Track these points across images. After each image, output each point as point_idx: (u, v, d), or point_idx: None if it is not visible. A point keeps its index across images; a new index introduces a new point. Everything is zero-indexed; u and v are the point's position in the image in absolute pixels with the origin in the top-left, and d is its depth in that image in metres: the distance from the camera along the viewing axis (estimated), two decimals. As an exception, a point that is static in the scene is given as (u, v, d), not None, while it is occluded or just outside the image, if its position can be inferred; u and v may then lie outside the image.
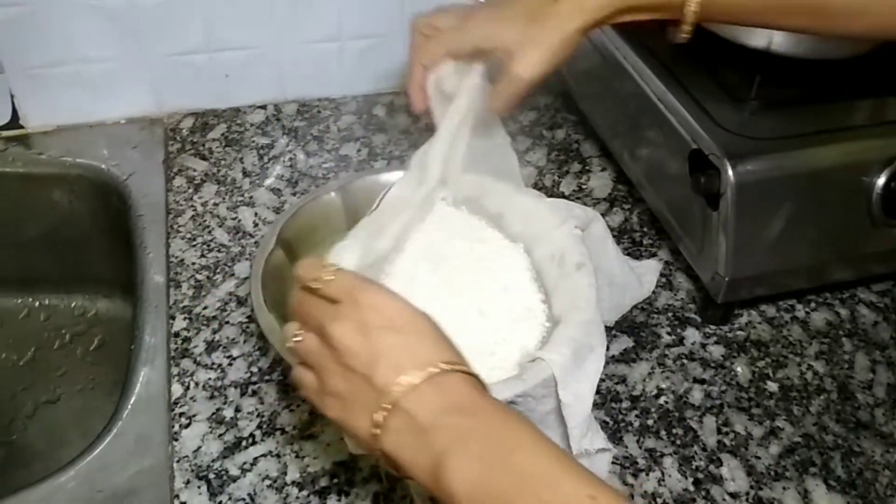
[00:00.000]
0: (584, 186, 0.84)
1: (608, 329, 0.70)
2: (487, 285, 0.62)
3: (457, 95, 0.63)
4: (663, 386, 0.66)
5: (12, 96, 0.84)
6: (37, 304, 0.94)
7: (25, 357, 0.91)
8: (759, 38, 0.69)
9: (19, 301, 0.94)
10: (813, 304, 0.74)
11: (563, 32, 0.58)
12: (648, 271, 0.72)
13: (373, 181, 0.70)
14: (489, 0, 0.63)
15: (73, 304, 0.94)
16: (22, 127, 0.86)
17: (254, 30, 0.86)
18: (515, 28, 0.59)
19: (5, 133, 0.86)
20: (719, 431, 0.63)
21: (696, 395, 0.66)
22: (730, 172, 0.63)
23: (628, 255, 0.77)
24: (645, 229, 0.80)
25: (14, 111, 0.85)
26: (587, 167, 0.87)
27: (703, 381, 0.67)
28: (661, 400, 0.65)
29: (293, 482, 0.58)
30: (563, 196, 0.83)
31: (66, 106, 0.86)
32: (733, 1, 0.56)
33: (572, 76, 0.89)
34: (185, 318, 0.69)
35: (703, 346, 0.70)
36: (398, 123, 0.91)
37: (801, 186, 0.65)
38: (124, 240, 0.80)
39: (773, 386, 0.67)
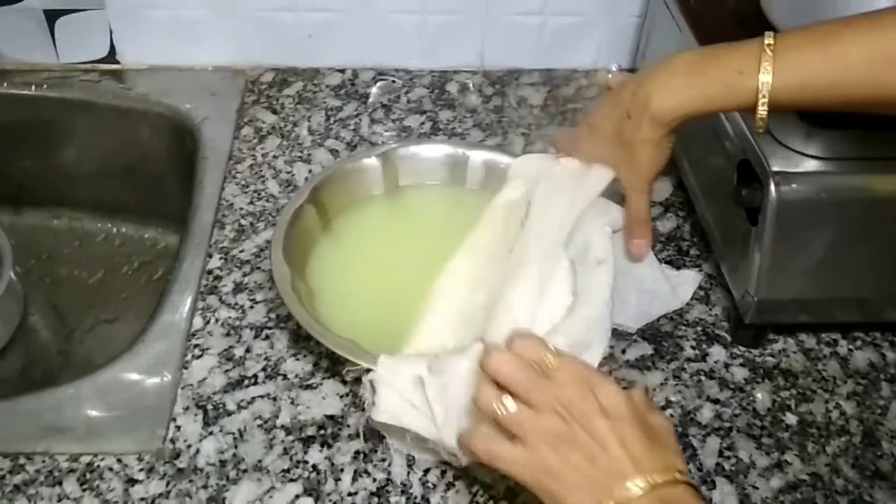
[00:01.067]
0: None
1: (629, 334, 0.68)
2: (524, 282, 0.61)
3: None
4: (673, 399, 0.64)
5: (111, 32, 0.89)
6: (114, 230, 1.01)
7: (95, 277, 0.97)
8: (835, 53, 0.65)
9: (99, 225, 1.01)
10: (859, 342, 0.69)
11: (652, 146, 0.59)
12: (686, 282, 0.69)
13: (415, 151, 0.71)
14: (583, 121, 0.66)
15: (146, 235, 1.00)
16: (118, 62, 0.92)
17: (339, -7, 0.89)
18: (611, 149, 0.61)
19: (102, 66, 0.92)
20: (721, 454, 0.61)
21: (706, 414, 0.63)
22: (772, 187, 0.60)
23: (670, 262, 0.75)
24: (694, 239, 0.77)
25: (112, 46, 0.91)
26: (650, 169, 0.84)
27: (716, 401, 0.64)
28: (667, 412, 0.63)
29: (282, 426, 0.60)
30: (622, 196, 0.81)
31: (160, 47, 0.91)
32: (811, 97, 0.53)
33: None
34: (221, 258, 0.73)
35: (727, 366, 0.67)
36: (466, 102, 0.91)
37: (852, 213, 0.61)
38: (192, 179, 0.84)
39: (791, 418, 0.63)
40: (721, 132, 0.67)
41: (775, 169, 0.60)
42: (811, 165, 0.61)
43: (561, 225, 0.62)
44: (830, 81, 0.51)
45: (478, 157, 0.72)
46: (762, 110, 0.53)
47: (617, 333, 0.68)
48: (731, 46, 0.55)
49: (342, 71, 0.94)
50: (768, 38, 0.52)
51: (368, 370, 0.54)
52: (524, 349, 0.48)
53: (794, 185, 0.60)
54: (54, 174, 0.97)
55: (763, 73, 0.52)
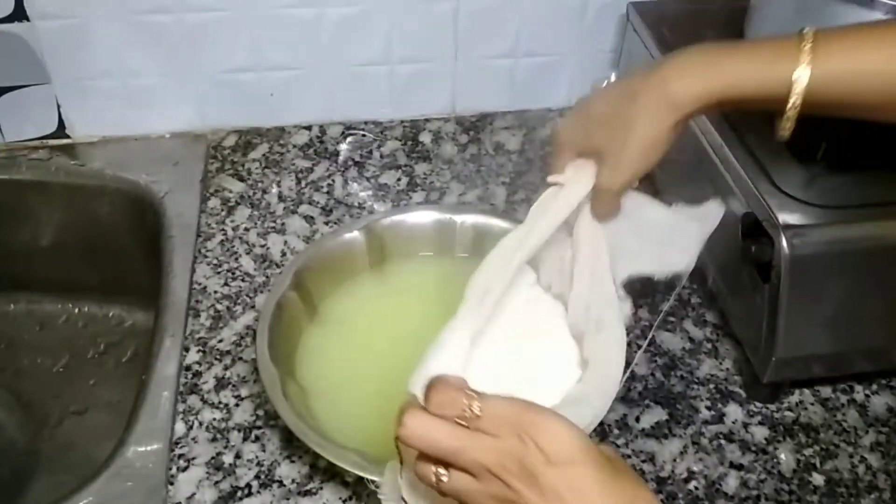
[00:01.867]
0: (633, 233, 0.79)
1: (641, 400, 0.64)
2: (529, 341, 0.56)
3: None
4: (695, 469, 0.61)
5: (59, 106, 0.84)
6: (76, 310, 0.95)
7: (60, 363, 0.91)
8: (831, 93, 0.62)
9: (59, 306, 0.95)
10: (875, 386, 0.67)
11: (653, 132, 0.50)
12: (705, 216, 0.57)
13: (399, 220, 0.67)
14: (579, 103, 0.56)
15: (110, 314, 0.95)
16: (68, 136, 0.86)
17: (301, 50, 0.84)
18: (602, 133, 0.52)
19: (51, 142, 0.86)
20: (752, 528, 0.58)
21: (731, 483, 0.60)
22: (784, 244, 0.57)
23: (672, 314, 0.71)
24: (695, 286, 0.74)
25: (60, 120, 0.85)
26: (639, 212, 0.81)
27: (740, 467, 0.61)
28: (691, 485, 0.60)
29: (284, 542, 0.56)
30: (609, 243, 0.77)
31: (112, 117, 0.86)
32: (847, 92, 0.48)
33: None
34: (198, 351, 0.67)
35: (745, 425, 0.64)
36: (443, 152, 0.87)
37: (866, 263, 0.58)
38: (158, 257, 0.79)
39: (818, 479, 0.60)
40: (719, 181, 0.64)
41: (785, 223, 0.57)
42: (820, 216, 0.58)
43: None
44: (871, 76, 0.47)
45: (466, 221, 0.68)
46: (793, 107, 0.48)
47: (628, 399, 0.65)
48: (764, 38, 0.50)
49: (308, 128, 0.90)
50: (807, 30, 0.48)
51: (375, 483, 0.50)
52: (441, 404, 0.40)
53: (806, 239, 0.57)
54: (8, 256, 0.91)
55: (801, 65, 0.46)
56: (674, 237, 0.55)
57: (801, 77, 0.46)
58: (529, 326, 0.54)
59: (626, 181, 0.52)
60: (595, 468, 0.39)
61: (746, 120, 0.66)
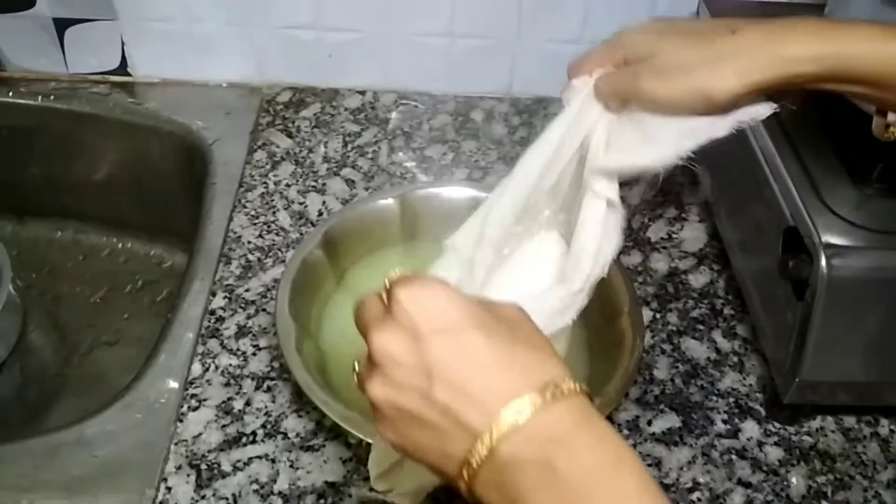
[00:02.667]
0: (674, 236, 0.77)
1: (657, 403, 0.63)
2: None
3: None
4: (701, 480, 0.59)
5: (123, 43, 0.85)
6: (120, 245, 0.97)
7: (98, 294, 0.94)
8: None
9: (104, 239, 0.97)
10: (903, 423, 0.64)
11: (746, 74, 0.44)
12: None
13: (435, 194, 0.67)
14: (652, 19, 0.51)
15: (151, 252, 0.97)
16: (129, 74, 0.88)
17: (363, 14, 0.84)
18: (677, 41, 0.47)
19: (112, 78, 0.88)
20: (751, 547, 0.56)
21: (737, 500, 0.59)
22: (823, 263, 0.55)
23: (702, 322, 0.70)
24: (729, 297, 0.72)
25: (123, 58, 0.87)
26: (683, 215, 0.79)
27: (748, 485, 0.59)
28: (695, 496, 0.59)
29: (279, 492, 0.56)
30: (648, 243, 0.76)
31: (173, 61, 0.87)
32: None
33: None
34: (225, 297, 0.68)
35: (760, 444, 0.62)
36: (492, 132, 0.87)
37: (908, 293, 0.56)
38: (200, 202, 0.80)
39: (828, 509, 0.59)
40: (767, 191, 0.62)
41: (827, 242, 0.55)
42: (867, 239, 0.56)
43: None
44: None
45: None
46: None
47: (643, 402, 0.63)
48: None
49: (362, 93, 0.90)
50: None
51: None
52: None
53: (847, 261, 0.55)
54: (60, 185, 0.94)
55: None
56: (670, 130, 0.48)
57: None
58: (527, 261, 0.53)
59: (676, 99, 0.45)
60: (484, 333, 0.35)
61: (807, 135, 0.64)
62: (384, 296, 0.38)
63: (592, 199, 0.48)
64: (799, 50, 0.44)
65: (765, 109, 0.47)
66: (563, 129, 0.50)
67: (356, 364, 0.39)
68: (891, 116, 0.50)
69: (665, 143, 0.47)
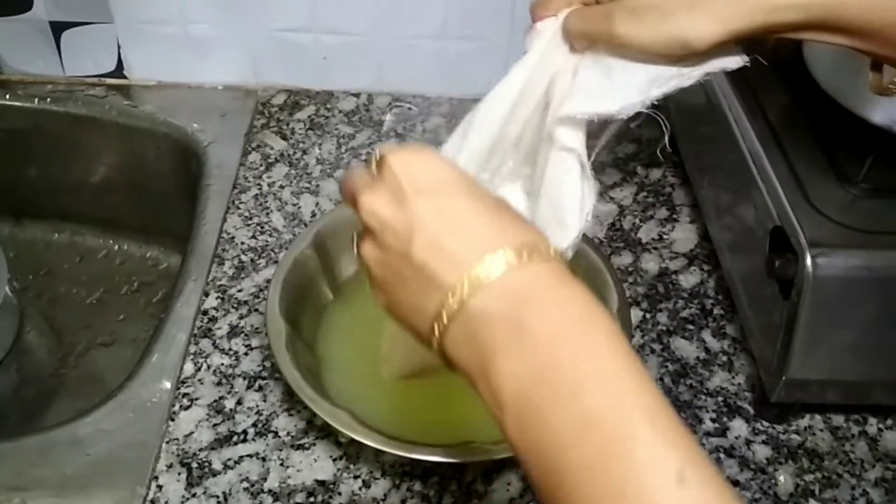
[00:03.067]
0: (665, 236, 0.78)
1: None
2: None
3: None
4: (689, 478, 0.60)
5: (119, 46, 0.86)
6: (116, 247, 0.98)
7: (94, 295, 0.94)
8: (883, 115, 0.60)
9: (101, 241, 0.98)
10: (890, 421, 0.64)
11: (724, 19, 0.42)
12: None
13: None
14: None
15: (147, 254, 0.97)
16: (125, 77, 0.89)
17: (358, 17, 0.85)
18: None
19: (109, 81, 0.89)
20: (738, 545, 0.56)
21: (724, 497, 0.59)
22: (808, 262, 0.55)
23: (692, 322, 0.70)
24: (719, 297, 0.72)
25: (119, 61, 0.87)
26: (675, 215, 0.80)
27: (736, 483, 0.60)
28: (682, 493, 0.59)
29: (269, 490, 0.57)
30: (639, 243, 0.77)
31: (169, 64, 0.88)
32: None
33: (677, 109, 0.82)
34: (217, 298, 0.69)
35: (748, 443, 0.62)
36: (485, 135, 0.87)
37: (895, 292, 0.56)
38: (195, 206, 0.81)
39: (816, 506, 0.59)
40: (754, 191, 0.63)
41: (812, 241, 0.56)
42: (854, 239, 0.56)
43: None
44: None
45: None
46: None
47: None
48: None
49: (357, 95, 0.90)
50: None
51: None
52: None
53: (833, 260, 0.55)
54: (57, 187, 0.95)
55: None
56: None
57: None
58: None
59: (651, 44, 0.43)
60: (470, 199, 0.36)
61: (794, 134, 0.64)
62: (374, 167, 0.38)
63: (561, 153, 0.46)
64: None
65: (735, 62, 0.45)
66: (527, 74, 0.47)
67: (354, 234, 0.40)
68: (886, 73, 0.49)
69: (632, 89, 0.44)
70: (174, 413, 0.61)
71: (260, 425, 0.60)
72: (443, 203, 0.36)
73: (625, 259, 0.75)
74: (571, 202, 0.46)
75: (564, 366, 0.32)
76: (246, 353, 0.65)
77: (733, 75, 0.71)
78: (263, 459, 0.58)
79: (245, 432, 0.60)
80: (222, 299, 0.69)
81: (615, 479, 0.30)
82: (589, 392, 0.31)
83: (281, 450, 0.59)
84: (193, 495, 0.56)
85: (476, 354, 0.34)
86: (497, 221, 0.36)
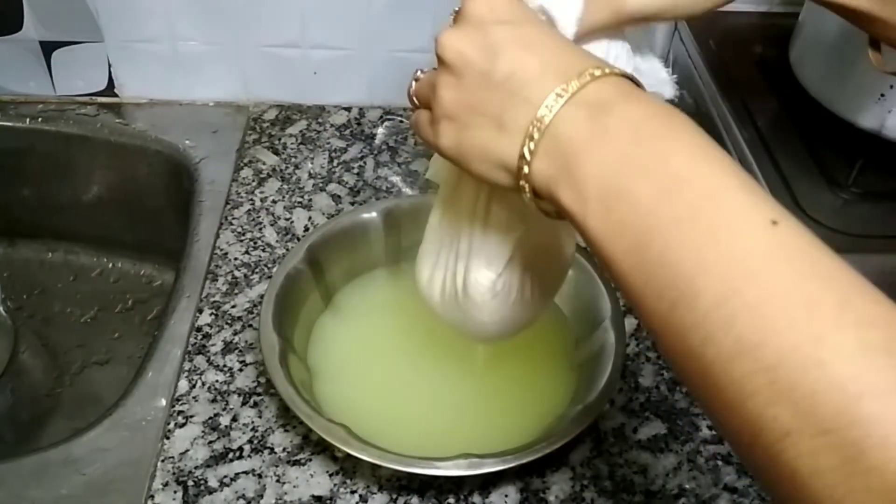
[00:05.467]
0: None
1: (642, 410, 0.64)
2: None
3: None
4: (687, 486, 0.60)
5: (110, 65, 0.86)
6: (110, 265, 0.98)
7: (88, 314, 0.94)
8: (871, 120, 0.61)
9: (95, 260, 0.98)
10: (888, 426, 0.64)
11: None
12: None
13: (419, 205, 0.67)
14: None
15: (142, 272, 0.97)
16: (116, 95, 0.89)
17: (347, 31, 0.85)
18: None
19: (100, 99, 0.89)
20: (737, 552, 0.56)
21: (722, 505, 0.59)
22: (800, 267, 0.55)
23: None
24: (713, 304, 0.72)
25: (110, 79, 0.87)
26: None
27: (734, 490, 0.60)
28: (681, 502, 0.59)
29: (266, 508, 0.57)
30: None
31: (160, 81, 0.88)
32: None
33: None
34: (211, 314, 0.69)
35: (745, 449, 0.62)
36: (477, 146, 0.87)
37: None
38: (188, 223, 0.81)
39: (814, 512, 0.59)
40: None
41: (803, 246, 0.56)
42: (840, 242, 0.57)
43: None
44: None
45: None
46: None
47: (628, 410, 0.64)
48: None
49: (348, 109, 0.90)
50: None
51: None
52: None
53: (823, 265, 0.55)
54: (50, 206, 0.94)
55: None
56: None
57: None
58: None
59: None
60: (547, 30, 0.39)
61: (783, 139, 0.65)
62: (452, 20, 0.40)
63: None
64: None
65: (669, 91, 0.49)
66: None
67: (412, 82, 0.44)
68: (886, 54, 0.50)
69: None
70: (169, 431, 0.61)
71: (255, 442, 0.60)
72: (524, 29, 0.38)
73: (618, 267, 0.75)
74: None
75: (647, 142, 0.33)
76: (240, 370, 0.65)
77: (722, 81, 0.71)
78: (259, 476, 0.58)
79: (241, 449, 0.60)
80: (216, 315, 0.69)
81: (708, 227, 0.30)
82: (675, 156, 0.33)
83: (277, 466, 0.59)
84: (190, 513, 0.56)
85: (560, 162, 0.35)
86: (573, 49, 0.38)
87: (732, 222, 0.30)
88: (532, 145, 0.36)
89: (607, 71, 0.36)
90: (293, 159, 0.84)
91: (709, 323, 0.29)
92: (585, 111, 0.35)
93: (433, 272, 0.52)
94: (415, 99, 0.45)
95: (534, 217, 0.46)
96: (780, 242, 0.30)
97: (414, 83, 0.44)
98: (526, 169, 0.36)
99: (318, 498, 0.57)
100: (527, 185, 0.37)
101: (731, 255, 0.30)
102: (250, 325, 0.68)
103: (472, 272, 0.49)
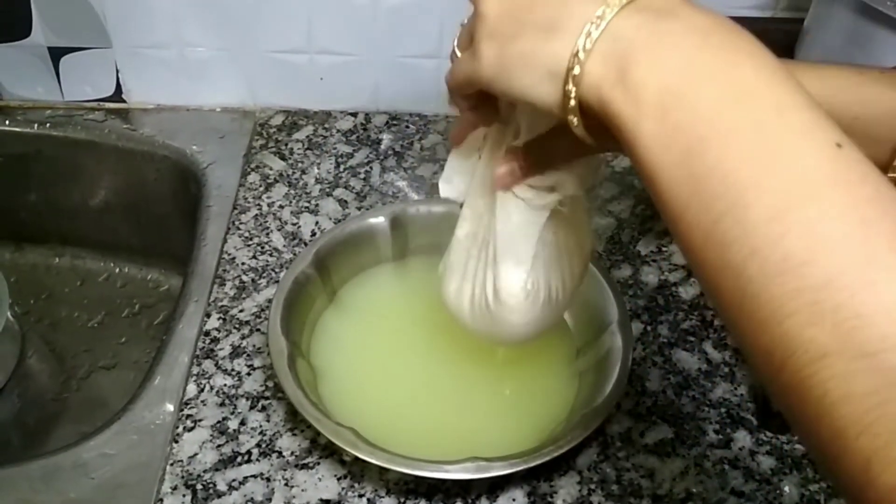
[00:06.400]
0: (664, 248, 0.78)
1: (649, 414, 0.64)
2: None
3: None
4: (694, 490, 0.60)
5: (118, 71, 0.87)
6: (117, 270, 0.98)
7: (95, 319, 0.95)
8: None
9: (102, 264, 0.98)
10: (895, 431, 0.64)
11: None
12: None
13: (426, 211, 0.68)
14: None
15: (148, 277, 0.98)
16: (124, 101, 0.89)
17: (354, 37, 0.85)
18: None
19: (108, 105, 0.89)
20: (745, 556, 0.56)
21: (729, 509, 0.59)
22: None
23: (693, 334, 0.70)
24: (719, 308, 0.72)
25: (118, 85, 0.88)
26: (673, 228, 0.80)
27: (741, 494, 0.60)
28: (688, 505, 0.59)
29: (274, 511, 0.57)
30: (638, 256, 0.77)
31: (168, 87, 0.88)
32: None
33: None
34: (219, 318, 0.69)
35: (753, 454, 0.62)
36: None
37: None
38: (195, 227, 0.81)
39: (821, 516, 0.59)
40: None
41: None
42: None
43: None
44: None
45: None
46: None
47: (635, 414, 0.64)
48: None
49: (354, 115, 0.91)
50: None
51: None
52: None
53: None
54: (57, 211, 0.95)
55: None
56: None
57: None
58: None
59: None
60: None
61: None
62: None
63: None
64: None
65: None
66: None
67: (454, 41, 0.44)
68: None
69: None
70: (178, 435, 0.61)
71: (264, 445, 0.60)
72: None
73: (624, 272, 0.75)
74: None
75: (714, 49, 0.32)
76: (248, 374, 0.65)
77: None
78: (268, 480, 0.58)
79: (249, 453, 0.60)
80: (224, 320, 0.69)
81: (770, 141, 0.29)
82: (742, 67, 0.31)
83: (285, 469, 0.59)
84: (198, 517, 0.56)
85: (617, 64, 0.33)
86: None
87: (797, 139, 0.29)
88: (588, 43, 0.33)
89: None
90: (300, 164, 0.85)
91: (757, 237, 0.29)
92: (648, 14, 0.33)
93: (461, 284, 0.53)
94: (456, 50, 0.44)
95: (553, 215, 0.47)
96: (842, 165, 0.29)
97: (456, 41, 0.44)
98: (577, 69, 0.34)
99: (326, 501, 0.57)
100: (573, 92, 0.35)
101: (792, 170, 0.29)
102: (258, 330, 0.68)
103: (503, 275, 0.50)
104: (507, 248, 0.49)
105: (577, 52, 0.34)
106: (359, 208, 0.80)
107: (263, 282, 0.72)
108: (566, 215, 0.49)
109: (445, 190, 0.53)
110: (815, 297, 0.28)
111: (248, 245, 0.76)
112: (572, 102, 0.35)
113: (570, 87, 0.35)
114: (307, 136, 0.88)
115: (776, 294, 0.28)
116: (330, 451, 0.60)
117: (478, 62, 0.39)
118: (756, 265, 0.29)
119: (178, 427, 0.61)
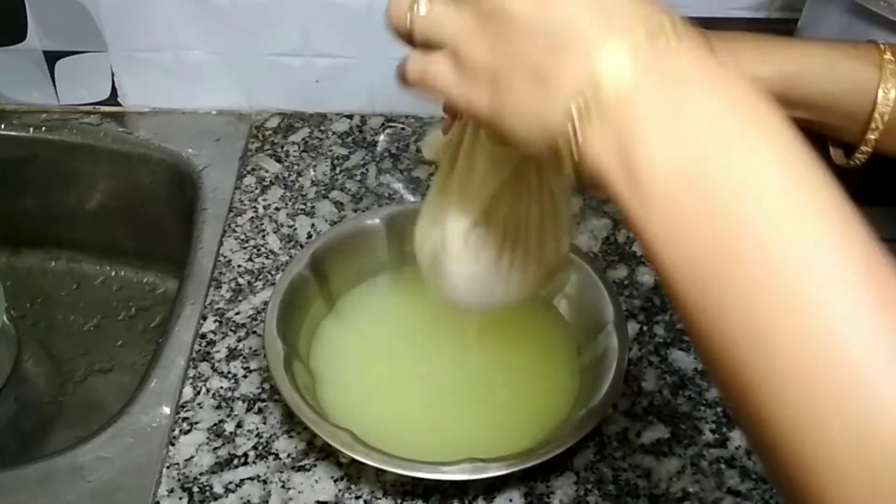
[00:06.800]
0: (660, 250, 0.78)
1: (645, 414, 0.64)
2: None
3: None
4: (691, 490, 0.60)
5: (113, 74, 0.87)
6: (113, 273, 0.98)
7: (92, 322, 0.94)
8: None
9: (98, 268, 0.98)
10: (890, 429, 0.65)
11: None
12: None
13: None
14: None
15: (144, 280, 0.97)
16: (119, 104, 0.89)
17: (349, 39, 0.85)
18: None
19: (103, 108, 0.89)
20: (741, 555, 0.56)
21: (726, 508, 0.59)
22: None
23: (686, 339, 0.70)
24: (715, 309, 0.73)
25: (113, 89, 0.88)
26: (669, 229, 0.80)
27: (737, 494, 0.60)
28: (684, 505, 0.59)
29: (271, 513, 0.57)
30: (634, 256, 0.77)
31: (163, 90, 0.88)
32: None
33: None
34: (215, 321, 0.69)
35: (749, 453, 0.62)
36: (478, 153, 0.88)
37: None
38: (191, 230, 0.81)
39: (818, 515, 0.59)
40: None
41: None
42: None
43: None
44: None
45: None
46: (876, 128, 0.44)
47: (632, 414, 0.64)
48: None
49: (350, 117, 0.91)
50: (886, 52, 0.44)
51: None
52: None
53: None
54: (53, 215, 0.95)
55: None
56: None
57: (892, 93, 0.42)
58: None
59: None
60: None
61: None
62: None
63: None
64: (744, 67, 0.43)
65: None
66: None
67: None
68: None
69: None
70: (174, 438, 0.61)
71: (260, 448, 0.60)
72: None
73: (620, 272, 0.75)
74: None
75: (727, 136, 0.28)
76: (245, 376, 0.65)
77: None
78: (265, 482, 0.58)
79: (245, 455, 0.60)
80: (220, 322, 0.69)
81: (796, 286, 0.26)
82: (761, 166, 0.28)
83: (282, 472, 0.59)
84: (195, 520, 0.56)
85: (615, 136, 0.29)
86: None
87: (823, 293, 0.26)
88: (586, 102, 0.30)
89: (680, 25, 0.30)
90: (296, 167, 0.85)
91: (782, 393, 0.27)
92: (652, 76, 0.29)
93: (427, 230, 0.52)
94: (414, 37, 0.39)
95: (523, 183, 0.46)
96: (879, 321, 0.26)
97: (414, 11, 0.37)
98: (576, 136, 0.31)
99: (323, 503, 0.57)
100: (573, 155, 0.31)
101: (824, 325, 0.26)
102: (254, 332, 0.68)
103: (450, 219, 0.49)
104: (460, 197, 0.48)
105: (572, 118, 0.31)
106: (355, 210, 0.80)
107: (259, 284, 0.72)
108: (542, 195, 0.47)
109: (428, 154, 0.53)
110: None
111: (244, 247, 0.76)
112: (572, 163, 0.32)
113: (570, 149, 0.31)
114: (303, 139, 0.88)
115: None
116: (326, 453, 0.60)
117: (475, 101, 0.36)
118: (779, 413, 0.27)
119: (174, 430, 0.61)
